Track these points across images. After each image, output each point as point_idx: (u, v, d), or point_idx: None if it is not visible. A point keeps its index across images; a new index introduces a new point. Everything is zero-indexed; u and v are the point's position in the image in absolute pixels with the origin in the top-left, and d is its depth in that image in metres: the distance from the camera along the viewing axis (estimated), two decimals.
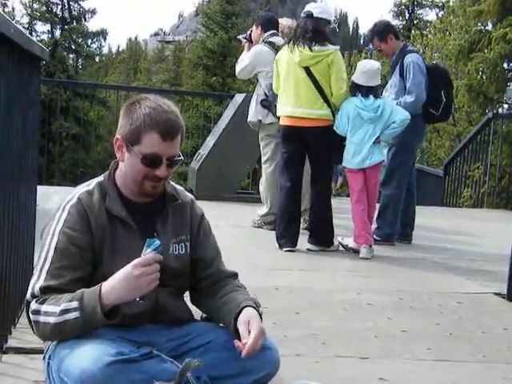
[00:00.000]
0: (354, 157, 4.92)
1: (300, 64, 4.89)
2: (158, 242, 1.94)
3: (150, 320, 2.06)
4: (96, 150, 19.05)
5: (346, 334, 3.07)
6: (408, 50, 5.51)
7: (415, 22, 31.38)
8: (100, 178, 2.13)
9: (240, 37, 6.21)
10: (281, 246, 4.96)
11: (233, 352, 2.03)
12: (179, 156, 2.07)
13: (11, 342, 2.55)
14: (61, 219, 2.02)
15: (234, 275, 2.26)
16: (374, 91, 4.89)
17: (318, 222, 5.03)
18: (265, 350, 2.07)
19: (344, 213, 5.87)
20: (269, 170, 5.78)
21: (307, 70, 4.87)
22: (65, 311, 1.90)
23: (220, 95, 14.80)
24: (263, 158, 5.88)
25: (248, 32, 6.03)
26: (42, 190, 3.64)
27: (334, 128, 4.92)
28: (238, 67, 5.90)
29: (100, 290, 1.90)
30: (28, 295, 1.98)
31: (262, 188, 5.92)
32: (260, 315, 2.05)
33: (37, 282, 1.97)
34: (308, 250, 4.98)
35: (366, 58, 24.96)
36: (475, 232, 6.50)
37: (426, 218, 7.35)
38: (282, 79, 5.06)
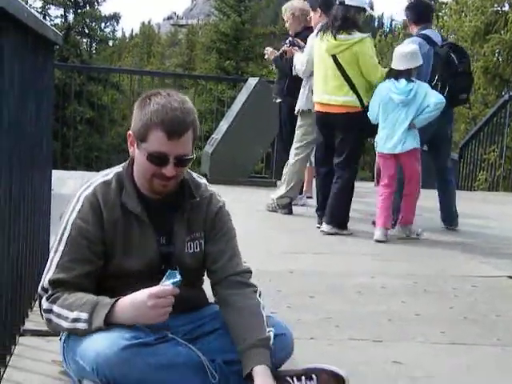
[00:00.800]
0: (385, 142, 4.90)
1: (327, 52, 4.97)
2: (178, 278, 1.91)
3: None
4: (110, 134, 19.06)
5: (360, 317, 3.07)
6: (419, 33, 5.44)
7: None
8: (119, 169, 2.09)
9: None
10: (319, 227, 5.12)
11: None
12: (189, 155, 2.00)
13: (28, 325, 2.58)
14: (75, 209, 2.02)
15: (247, 272, 2.16)
16: (406, 74, 4.79)
17: (337, 204, 5.05)
18: (279, 336, 2.07)
19: (359, 197, 5.87)
20: (299, 157, 5.73)
21: (334, 57, 4.94)
22: (76, 320, 1.92)
23: (233, 79, 14.80)
24: (297, 144, 5.77)
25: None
26: (56, 175, 3.67)
27: (368, 114, 4.92)
28: (299, 67, 5.67)
29: (111, 308, 1.89)
30: (39, 288, 2.01)
31: (286, 170, 5.83)
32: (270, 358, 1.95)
33: (47, 274, 1.99)
34: (322, 231, 5.00)
35: (380, 40, 24.74)
36: (490, 215, 6.46)
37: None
38: (314, 67, 5.18)
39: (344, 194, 5.04)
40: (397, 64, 4.85)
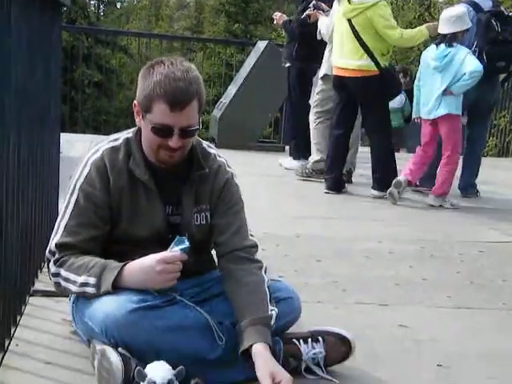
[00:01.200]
0: (422, 107, 4.94)
1: (344, 16, 5.01)
2: (187, 244, 1.91)
3: None
4: (118, 98, 19.01)
5: (367, 281, 3.09)
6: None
7: None
8: (128, 135, 2.07)
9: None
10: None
11: None
12: (194, 125, 1.96)
13: (38, 285, 2.62)
14: (82, 174, 2.01)
15: (253, 247, 2.11)
16: (450, 39, 4.75)
17: (382, 167, 5.11)
18: (286, 300, 2.09)
19: (366, 162, 5.84)
20: (320, 120, 5.67)
21: (349, 21, 4.97)
22: (84, 284, 1.93)
23: (242, 42, 14.63)
24: (318, 109, 5.69)
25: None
26: (65, 138, 3.66)
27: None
28: (324, 31, 5.57)
29: (119, 273, 1.90)
30: (47, 251, 2.02)
31: (312, 135, 5.78)
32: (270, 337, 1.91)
33: (54, 238, 2.00)
34: (372, 195, 5.11)
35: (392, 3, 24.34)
36: (499, 181, 6.44)
37: None
38: (334, 31, 5.24)
39: (383, 157, 5.11)
40: (441, 28, 4.83)
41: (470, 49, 4.94)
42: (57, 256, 1.99)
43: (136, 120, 2.04)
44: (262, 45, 7.55)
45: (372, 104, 5.05)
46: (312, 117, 5.76)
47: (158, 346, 1.83)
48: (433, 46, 4.89)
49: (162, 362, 1.74)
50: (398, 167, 5.20)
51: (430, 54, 4.85)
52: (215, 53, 15.45)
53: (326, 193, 5.16)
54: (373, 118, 5.11)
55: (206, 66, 15.66)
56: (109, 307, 1.85)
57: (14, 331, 2.16)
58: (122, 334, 1.82)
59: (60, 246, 1.98)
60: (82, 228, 1.99)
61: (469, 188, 5.44)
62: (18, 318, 2.26)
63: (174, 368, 1.70)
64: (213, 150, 2.16)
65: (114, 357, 1.78)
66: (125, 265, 1.93)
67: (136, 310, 1.83)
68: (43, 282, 2.67)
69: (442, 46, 4.79)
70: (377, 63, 4.94)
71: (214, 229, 2.12)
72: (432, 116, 4.85)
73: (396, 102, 9.63)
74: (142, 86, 1.97)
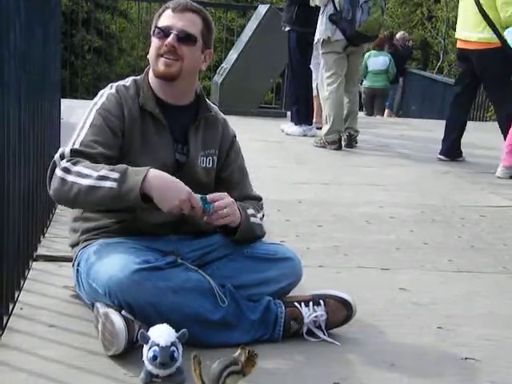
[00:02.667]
0: None
1: None
2: (209, 209, 1.94)
3: (174, 231, 2.10)
4: (119, 63, 18.88)
5: (368, 246, 3.10)
6: None
7: None
8: (137, 77, 2.19)
9: None
10: None
11: (255, 262, 2.08)
12: (193, 34, 2.08)
13: (41, 251, 2.63)
14: (98, 102, 2.09)
15: (258, 199, 2.28)
16: None
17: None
18: (287, 260, 2.12)
19: (370, 128, 5.81)
20: (332, 86, 5.49)
21: None
22: (103, 177, 1.89)
23: (243, 6, 14.47)
24: (326, 74, 5.54)
25: None
26: (65, 104, 3.66)
27: None
28: None
29: (147, 173, 1.88)
30: (57, 156, 1.98)
31: (323, 105, 5.64)
32: (247, 221, 2.09)
33: (68, 146, 2.00)
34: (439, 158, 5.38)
35: None
36: (501, 146, 6.41)
37: None
38: (459, 3, 5.37)
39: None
40: None
41: None
42: (71, 156, 1.96)
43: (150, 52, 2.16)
44: (263, 9, 7.46)
45: (493, 77, 5.11)
46: (323, 84, 5.60)
47: (161, 307, 1.84)
48: None
49: (165, 324, 1.75)
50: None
51: None
52: (216, 17, 15.29)
53: (439, 159, 5.41)
54: (495, 92, 5.25)
55: None
56: (112, 269, 1.87)
57: (18, 295, 2.18)
58: (125, 295, 1.84)
59: (75, 152, 1.98)
60: (98, 144, 2.01)
61: None
62: (22, 282, 2.28)
63: (176, 331, 1.72)
64: (215, 106, 2.30)
65: (117, 319, 1.80)
66: (150, 168, 1.91)
67: (139, 270, 1.84)
68: (46, 246, 2.69)
69: None
70: (499, 36, 4.95)
71: (223, 184, 2.21)
72: None
73: (380, 64, 10.17)
74: (155, 16, 2.16)
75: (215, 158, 2.20)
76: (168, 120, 2.11)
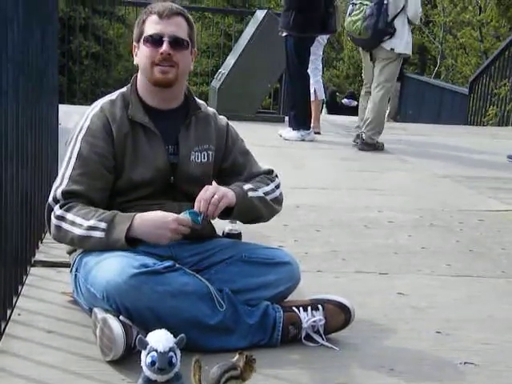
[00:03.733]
0: None
1: None
2: (199, 220, 1.98)
3: None
4: (116, 69, 18.88)
5: (366, 250, 3.10)
6: None
7: None
8: (123, 89, 2.18)
9: None
10: None
11: (253, 267, 2.08)
12: (184, 38, 2.09)
13: (38, 256, 2.63)
14: (83, 127, 2.07)
15: (267, 172, 2.32)
16: None
17: None
18: (285, 265, 2.12)
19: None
20: (380, 93, 5.72)
21: None
22: (92, 228, 1.96)
23: (241, 12, 14.48)
24: (380, 79, 5.76)
25: None
26: (63, 109, 3.65)
27: None
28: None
29: (131, 222, 1.94)
30: (50, 199, 2.04)
31: (367, 108, 5.84)
32: (245, 197, 2.10)
33: (59, 187, 2.03)
34: None
35: None
36: (499, 150, 6.42)
37: (450, 136, 7.29)
38: None
39: None
40: None
41: None
42: (63, 202, 2.01)
43: (135, 60, 2.16)
44: (260, 14, 7.47)
45: None
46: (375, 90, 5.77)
47: (159, 312, 1.84)
48: None
49: (163, 330, 1.74)
50: None
51: None
52: (214, 23, 15.31)
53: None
54: None
55: (205, 37, 15.53)
56: (111, 274, 1.87)
57: (16, 301, 2.18)
58: (123, 299, 1.84)
59: (66, 194, 2.01)
60: (88, 177, 2.02)
61: None
62: (20, 287, 2.27)
63: (174, 335, 1.71)
64: (202, 102, 2.29)
65: (115, 325, 1.79)
66: (135, 215, 1.97)
67: (137, 275, 1.85)
68: (44, 252, 2.69)
69: None
70: None
71: (232, 170, 2.24)
72: None
73: None
74: (137, 22, 2.16)
75: (211, 152, 2.20)
76: (159, 126, 2.11)
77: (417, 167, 5.33)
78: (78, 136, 2.07)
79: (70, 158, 2.05)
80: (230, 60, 7.57)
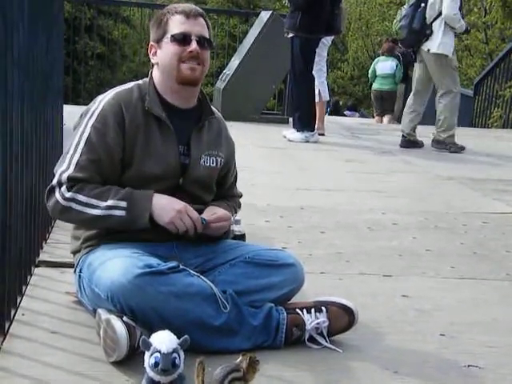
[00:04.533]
0: None
1: None
2: (205, 220, 2.08)
3: (177, 237, 2.10)
4: (121, 69, 18.91)
5: (370, 252, 3.10)
6: None
7: None
8: (139, 82, 2.18)
9: None
10: None
11: (257, 268, 2.08)
12: (209, 38, 2.13)
13: (43, 256, 2.63)
14: (94, 114, 2.06)
15: (239, 196, 2.41)
16: None
17: None
18: (289, 266, 2.11)
19: (371, 134, 5.81)
20: (449, 97, 6.03)
21: None
22: (112, 207, 1.98)
23: (246, 13, 14.49)
24: (447, 87, 6.05)
25: None
26: (68, 109, 3.65)
27: None
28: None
29: (152, 198, 2.00)
30: (54, 182, 2.03)
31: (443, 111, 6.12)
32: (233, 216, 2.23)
33: (65, 171, 2.02)
34: None
35: None
36: (504, 152, 6.42)
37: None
38: None
39: None
40: None
41: None
42: (69, 184, 2.00)
43: (153, 60, 2.17)
44: (265, 15, 7.48)
45: None
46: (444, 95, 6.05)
47: (163, 312, 1.84)
48: None
49: (166, 331, 1.75)
50: None
51: None
52: (218, 24, 15.34)
53: None
54: None
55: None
56: (114, 273, 1.87)
57: (20, 301, 2.18)
58: (128, 299, 1.84)
59: (72, 179, 2.01)
60: (95, 165, 2.02)
61: None
62: (24, 288, 2.27)
63: (178, 336, 1.72)
64: (215, 109, 2.33)
65: (118, 326, 1.79)
66: (153, 193, 2.02)
67: (141, 275, 1.84)
68: (48, 252, 2.69)
69: None
70: None
71: (217, 181, 2.27)
72: None
73: (387, 68, 10.99)
74: (155, 24, 2.16)
75: (219, 159, 2.22)
76: (174, 124, 2.12)
77: (421, 169, 5.32)
78: (88, 121, 2.05)
79: (78, 142, 2.04)
80: (235, 61, 7.58)
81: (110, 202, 1.98)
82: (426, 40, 5.90)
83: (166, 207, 2.01)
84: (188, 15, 2.11)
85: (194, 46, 2.08)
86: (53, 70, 2.83)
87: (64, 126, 3.42)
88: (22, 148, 2.15)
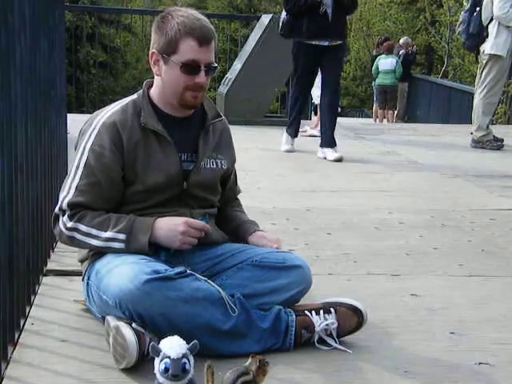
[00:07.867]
0: None
1: None
2: (206, 220, 2.09)
3: None
4: (124, 77, 18.97)
5: (378, 252, 3.09)
6: None
7: None
8: (134, 96, 2.15)
9: None
10: None
11: (265, 271, 2.07)
12: (215, 64, 2.09)
13: (51, 265, 2.64)
14: (92, 136, 2.06)
15: (239, 193, 2.44)
16: None
17: None
18: (296, 268, 2.11)
19: (374, 134, 5.79)
20: (482, 95, 6.26)
21: None
22: (111, 239, 1.98)
23: (246, 17, 14.50)
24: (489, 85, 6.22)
25: None
26: (72, 118, 3.67)
27: None
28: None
29: (152, 229, 1.99)
30: (56, 209, 2.05)
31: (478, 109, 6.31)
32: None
33: (66, 197, 2.03)
34: None
35: None
36: (508, 149, 6.40)
37: (459, 135, 7.26)
38: None
39: None
40: None
41: None
42: (71, 212, 2.01)
43: (154, 69, 2.10)
44: (266, 19, 7.49)
45: None
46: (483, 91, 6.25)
47: (172, 318, 1.84)
48: None
49: (175, 336, 1.74)
50: None
51: None
52: (219, 28, 15.36)
53: None
54: None
55: None
56: (123, 281, 1.87)
57: (29, 310, 2.18)
58: (136, 305, 1.84)
59: (72, 205, 2.01)
60: (95, 188, 2.02)
61: None
62: (32, 297, 2.28)
63: (187, 341, 1.71)
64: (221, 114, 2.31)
65: (128, 333, 1.79)
66: (153, 222, 2.00)
67: (149, 281, 1.84)
68: (56, 261, 2.69)
69: None
70: None
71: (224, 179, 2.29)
72: None
73: (388, 64, 12.47)
74: (161, 32, 2.06)
75: (223, 161, 2.22)
76: (172, 133, 2.10)
77: (426, 167, 5.31)
78: (86, 144, 2.05)
79: (77, 167, 2.05)
80: (237, 65, 7.59)
81: (108, 234, 1.98)
82: (483, 42, 6.12)
83: (170, 234, 2.00)
84: (201, 43, 2.02)
85: (202, 78, 2.04)
86: (55, 79, 2.84)
87: (68, 135, 3.43)
88: (26, 159, 2.15)
